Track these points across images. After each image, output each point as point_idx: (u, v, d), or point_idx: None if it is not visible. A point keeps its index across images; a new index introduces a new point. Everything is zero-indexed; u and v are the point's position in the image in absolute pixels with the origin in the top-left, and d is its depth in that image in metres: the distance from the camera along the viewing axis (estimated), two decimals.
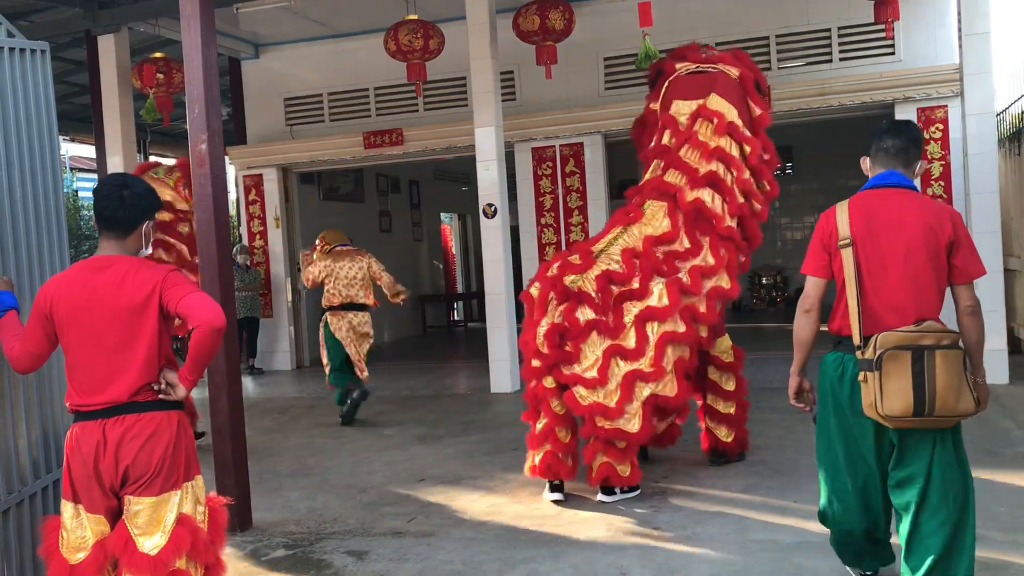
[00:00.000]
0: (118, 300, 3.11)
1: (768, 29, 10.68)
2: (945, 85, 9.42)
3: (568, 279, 5.30)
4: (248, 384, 11.59)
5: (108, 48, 10.34)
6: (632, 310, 5.28)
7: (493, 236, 9.33)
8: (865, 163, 3.64)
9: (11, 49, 3.73)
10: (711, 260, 5.55)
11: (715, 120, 5.70)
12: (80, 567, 3.16)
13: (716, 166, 5.65)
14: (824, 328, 3.59)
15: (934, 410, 3.21)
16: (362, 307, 8.25)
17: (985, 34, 8.36)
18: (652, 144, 5.94)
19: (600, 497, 5.35)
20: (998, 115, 10.04)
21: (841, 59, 10.47)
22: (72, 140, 15.96)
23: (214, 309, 3.11)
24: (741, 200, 5.71)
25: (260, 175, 12.43)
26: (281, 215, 12.42)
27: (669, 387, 5.27)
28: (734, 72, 5.87)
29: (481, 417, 8.29)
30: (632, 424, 5.19)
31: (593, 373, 5.19)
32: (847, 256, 3.41)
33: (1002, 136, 11.62)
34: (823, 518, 3.76)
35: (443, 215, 18.37)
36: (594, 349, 5.22)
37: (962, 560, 3.32)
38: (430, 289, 17.15)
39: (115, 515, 3.18)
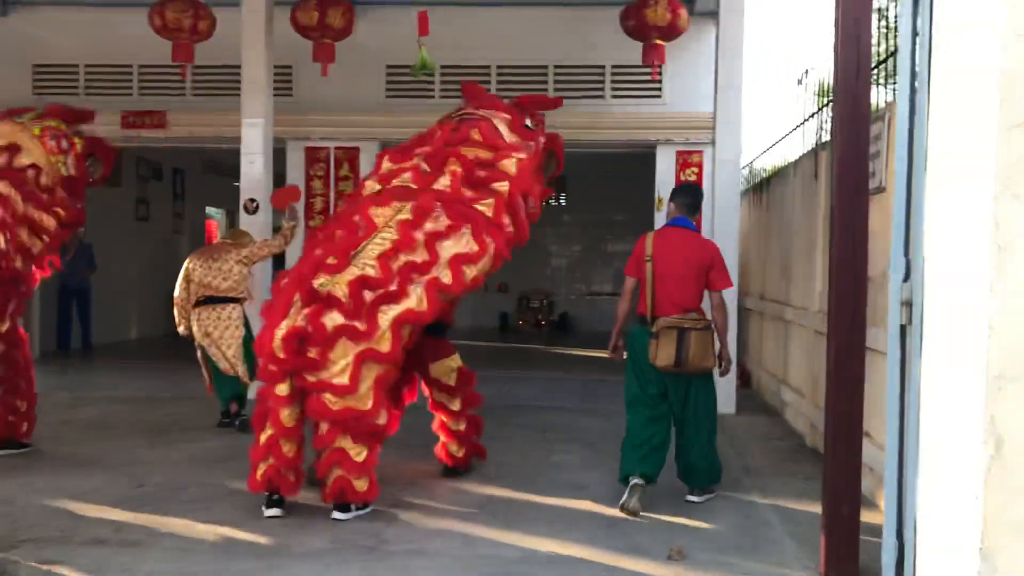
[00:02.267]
0: None
1: (548, 59, 10.97)
2: (702, 131, 10.04)
3: (318, 282, 5.06)
4: None
5: None
6: (389, 313, 5.06)
7: (254, 232, 8.88)
8: (669, 207, 5.82)
9: None
10: (474, 246, 5.48)
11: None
12: None
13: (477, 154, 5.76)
14: None
15: (687, 365, 5.33)
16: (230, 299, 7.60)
17: (737, 87, 8.99)
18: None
19: (335, 514, 5.07)
20: (747, 165, 10.87)
21: (613, 96, 10.93)
22: None
23: None
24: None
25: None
26: None
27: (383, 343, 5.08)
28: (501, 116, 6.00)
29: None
30: (381, 419, 5.06)
31: (343, 379, 4.93)
32: (648, 267, 5.47)
33: (750, 185, 12.61)
34: (627, 435, 5.53)
35: (210, 209, 17.46)
36: (344, 354, 4.96)
37: (712, 452, 5.62)
38: None
39: None
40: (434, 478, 6.04)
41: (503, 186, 5.55)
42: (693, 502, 5.54)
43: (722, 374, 5.78)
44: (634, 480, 5.30)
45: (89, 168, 6.94)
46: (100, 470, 6.11)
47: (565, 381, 10.70)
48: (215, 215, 17.91)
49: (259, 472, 5.05)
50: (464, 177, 5.53)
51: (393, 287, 5.06)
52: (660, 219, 10.60)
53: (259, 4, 8.82)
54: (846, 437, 4.17)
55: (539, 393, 9.77)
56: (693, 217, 5.73)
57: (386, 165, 5.78)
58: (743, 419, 8.52)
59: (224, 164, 16.56)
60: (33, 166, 6.39)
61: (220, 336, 7.46)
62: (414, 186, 5.50)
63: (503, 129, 5.80)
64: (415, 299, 5.10)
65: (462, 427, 6.10)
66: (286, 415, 5.02)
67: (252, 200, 8.92)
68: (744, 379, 10.14)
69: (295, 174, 10.85)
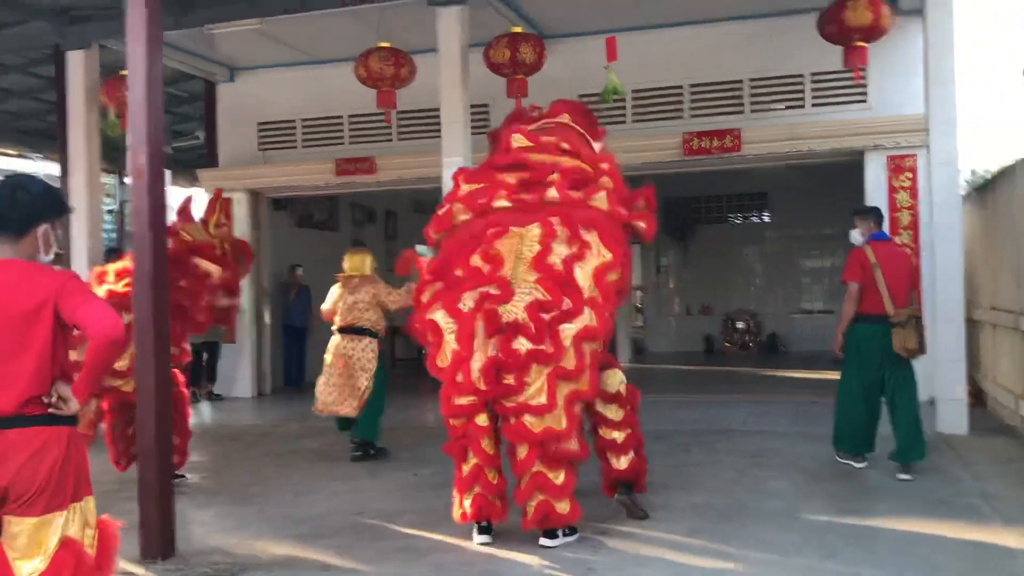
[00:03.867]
0: (9, 306, 2.96)
1: (742, 73, 10.71)
2: (914, 134, 9.45)
3: (498, 311, 5.08)
4: (205, 410, 11.37)
5: (77, 65, 10.22)
6: (569, 332, 5.04)
7: None
8: (861, 225, 6.88)
9: None
10: (606, 253, 5.40)
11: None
12: None
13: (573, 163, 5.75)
14: None
15: (923, 349, 6.60)
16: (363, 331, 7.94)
17: (950, 85, 8.36)
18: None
19: (542, 541, 5.08)
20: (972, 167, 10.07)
21: (814, 105, 10.50)
22: (44, 158, 15.80)
23: (110, 319, 2.97)
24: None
25: (230, 199, 12.28)
26: (250, 240, 12.24)
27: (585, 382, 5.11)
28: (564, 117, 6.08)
29: (435, 450, 8.07)
30: (575, 444, 5.06)
31: (541, 400, 4.97)
32: (878, 272, 6.55)
33: (973, 187, 11.67)
34: (836, 429, 6.89)
35: (420, 247, 18.22)
36: (538, 376, 5.00)
37: (921, 431, 6.58)
38: (402, 321, 16.96)
39: None
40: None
41: (606, 181, 5.59)
42: (906, 479, 6.37)
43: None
44: (862, 463, 6.75)
45: (239, 269, 7.57)
46: (324, 498, 6.48)
47: (775, 404, 10.26)
48: (426, 253, 18.66)
49: (466, 502, 5.14)
50: (569, 183, 5.53)
51: (566, 306, 5.07)
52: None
53: (454, 47, 9.17)
54: None
55: (748, 417, 9.43)
56: (884, 229, 7.06)
57: (465, 187, 5.79)
58: (977, 440, 7.83)
59: (431, 204, 17.26)
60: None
61: (355, 368, 7.78)
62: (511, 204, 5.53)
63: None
64: (588, 315, 5.08)
65: (622, 438, 5.65)
66: (486, 443, 5.11)
67: None
68: (976, 397, 9.32)
69: None
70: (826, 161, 10.61)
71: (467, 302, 5.16)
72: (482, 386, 5.02)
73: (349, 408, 7.78)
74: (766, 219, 17.80)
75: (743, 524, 5.45)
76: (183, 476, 7.08)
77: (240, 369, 12.37)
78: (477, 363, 5.04)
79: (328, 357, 7.91)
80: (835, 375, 7.15)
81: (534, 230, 5.34)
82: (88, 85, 10.17)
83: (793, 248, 17.48)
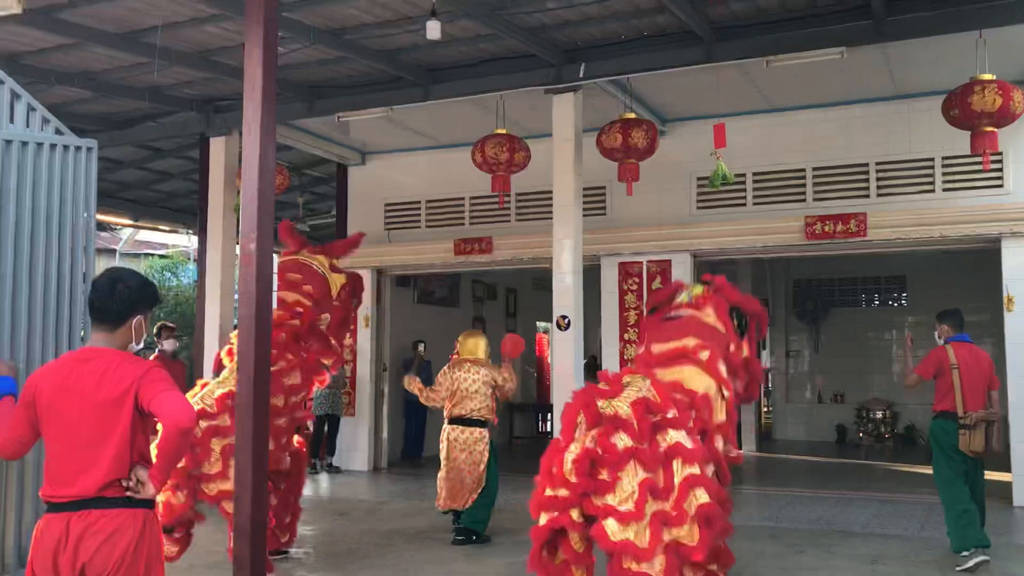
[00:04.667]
0: (96, 393, 3.14)
1: (868, 156, 10.39)
2: None
3: (601, 403, 5.04)
4: (323, 482, 11.64)
5: (218, 150, 10.96)
6: (664, 442, 4.90)
7: (565, 348, 9.20)
8: (940, 328, 7.53)
9: (54, 146, 3.94)
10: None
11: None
12: None
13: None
14: None
15: (993, 450, 6.92)
16: (477, 422, 7.90)
17: None
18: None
19: None
20: None
21: (945, 189, 10.05)
22: (192, 233, 16.86)
23: (184, 410, 3.10)
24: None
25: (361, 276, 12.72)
26: (371, 316, 12.65)
27: (689, 535, 4.87)
28: (708, 314, 5.70)
29: None
30: (656, 569, 4.82)
31: (630, 506, 4.71)
32: (955, 373, 6.99)
33: None
34: (952, 533, 6.98)
35: (540, 323, 18.35)
36: (631, 480, 4.77)
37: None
38: (521, 398, 17.01)
39: None
40: None
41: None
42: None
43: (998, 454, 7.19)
44: (981, 557, 6.68)
45: (353, 303, 7.63)
46: None
47: (906, 504, 9.62)
48: (543, 330, 18.76)
49: None
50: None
51: (671, 414, 4.93)
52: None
53: (568, 132, 9.32)
54: None
55: (872, 517, 8.87)
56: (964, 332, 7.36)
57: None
58: None
59: (549, 282, 17.43)
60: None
61: (466, 462, 7.75)
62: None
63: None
64: (684, 434, 4.94)
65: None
66: (575, 540, 4.92)
67: (564, 317, 9.23)
68: None
69: (609, 289, 11.14)
70: (960, 248, 10.11)
71: (576, 396, 5.12)
72: (572, 478, 4.83)
73: (460, 503, 7.80)
74: (904, 303, 16.99)
75: None
76: (286, 553, 7.24)
77: (358, 442, 12.64)
78: (571, 454, 4.89)
79: (442, 447, 7.91)
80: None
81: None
82: (228, 168, 10.87)
83: (932, 334, 16.56)
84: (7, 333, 3.69)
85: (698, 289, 5.94)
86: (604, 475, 4.82)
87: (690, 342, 5.48)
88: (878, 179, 10.34)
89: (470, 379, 7.90)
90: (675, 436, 4.90)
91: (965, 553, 6.74)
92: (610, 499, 4.78)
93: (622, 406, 4.93)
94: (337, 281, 7.24)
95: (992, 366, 7.13)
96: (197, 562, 6.80)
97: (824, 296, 17.33)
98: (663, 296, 6.08)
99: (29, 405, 3.21)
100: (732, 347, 5.66)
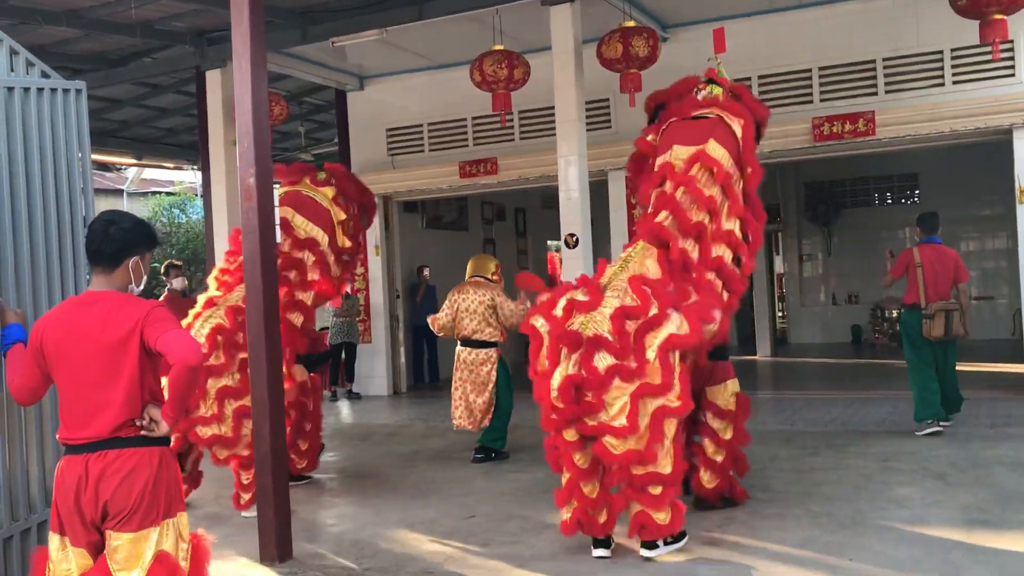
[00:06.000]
0: (101, 336, 3.16)
1: (875, 53, 10.14)
2: None
3: (579, 321, 4.94)
4: (343, 408, 11.83)
5: (215, 83, 10.82)
6: (654, 342, 4.88)
7: (575, 266, 9.17)
8: (916, 231, 8.55)
9: (41, 89, 3.89)
10: (685, 328, 5.15)
11: (714, 169, 5.47)
12: None
13: (704, 217, 5.39)
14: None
15: (951, 335, 7.84)
16: (481, 344, 7.94)
17: None
18: (649, 185, 5.69)
19: (642, 552, 4.97)
20: None
21: (954, 82, 9.82)
22: (196, 169, 16.79)
23: (190, 347, 3.12)
24: (719, 252, 5.42)
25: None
26: (381, 243, 12.64)
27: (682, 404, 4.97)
28: (736, 124, 5.64)
29: None
30: (665, 466, 4.90)
31: (622, 421, 4.78)
32: (919, 271, 7.95)
33: None
34: (916, 407, 7.94)
35: (550, 242, 18.31)
36: (620, 395, 4.82)
37: (956, 386, 8.17)
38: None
39: (97, 549, 3.21)
40: (756, 514, 5.75)
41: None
42: (949, 424, 7.94)
43: (964, 338, 8.04)
44: (935, 428, 7.80)
45: (362, 224, 7.73)
46: (437, 500, 6.62)
47: None
48: (554, 248, 18.73)
49: (566, 515, 5.05)
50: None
51: (653, 312, 4.91)
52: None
53: (567, 44, 9.12)
54: None
55: (887, 416, 8.95)
56: (937, 234, 8.28)
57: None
58: None
59: (557, 200, 17.32)
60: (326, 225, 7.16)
61: (475, 382, 7.82)
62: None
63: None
64: (675, 323, 4.90)
65: (720, 458, 5.79)
66: (579, 458, 4.97)
67: (572, 235, 9.19)
68: None
69: (617, 204, 11.06)
70: (971, 141, 9.94)
71: (559, 307, 5.10)
72: (559, 404, 4.87)
73: (471, 424, 7.88)
74: (916, 201, 16.81)
75: (860, 535, 5.19)
76: (309, 478, 7.39)
77: (376, 368, 12.79)
78: (556, 380, 4.90)
79: (455, 369, 8.01)
80: (995, 366, 7.74)
81: (648, 256, 5.28)
82: (225, 102, 10.74)
83: (947, 231, 16.42)
84: (11, 281, 3.70)
85: (718, 89, 5.90)
86: (590, 397, 4.84)
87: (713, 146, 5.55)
88: (886, 76, 10.12)
89: (468, 300, 7.92)
90: (664, 331, 4.88)
91: (924, 422, 7.83)
92: (603, 417, 4.84)
93: (602, 323, 4.88)
94: (338, 215, 7.22)
95: (957, 262, 7.98)
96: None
97: (836, 198, 17.17)
98: (676, 90, 6.02)
99: (37, 351, 3.24)
100: (749, 170, 5.65)
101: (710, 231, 5.38)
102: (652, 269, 5.19)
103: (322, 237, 7.09)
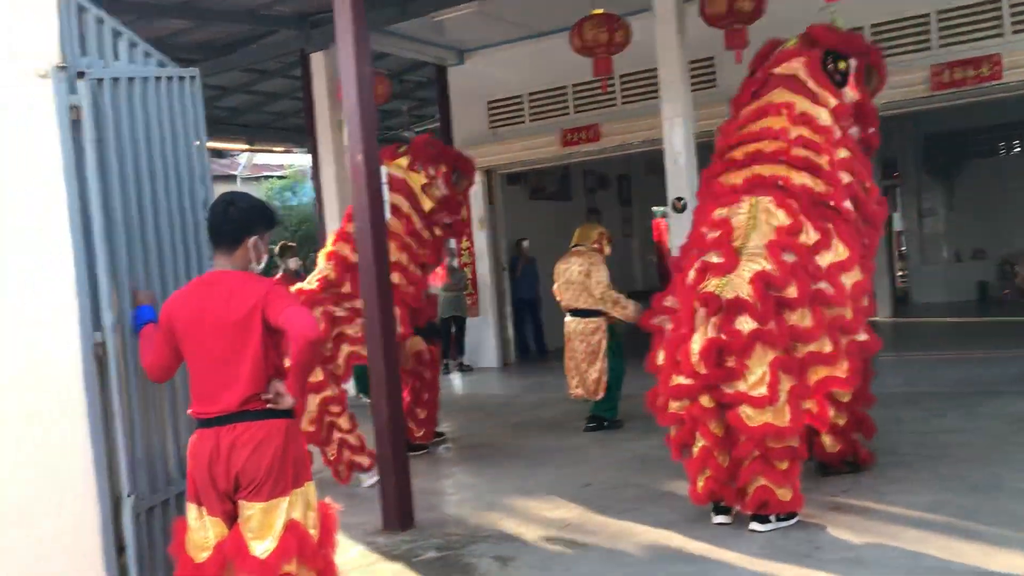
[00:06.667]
0: (225, 314, 3.27)
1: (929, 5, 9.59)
2: None
3: (714, 284, 4.88)
4: (455, 381, 12.00)
5: (319, 65, 11.03)
6: (792, 318, 4.78)
7: (682, 231, 8.96)
8: None
9: (158, 78, 4.03)
10: (843, 251, 5.04)
11: (784, 111, 5.37)
12: (203, 565, 3.35)
13: (803, 151, 5.23)
14: None
15: None
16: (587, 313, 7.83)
17: None
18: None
19: (752, 526, 4.85)
20: None
21: (1015, 32, 9.19)
22: (305, 152, 17.19)
23: (308, 322, 3.20)
24: (848, 179, 5.27)
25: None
26: (485, 217, 12.71)
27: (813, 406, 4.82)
28: (794, 66, 5.55)
29: None
30: (796, 442, 4.79)
31: (762, 390, 4.67)
32: None
33: None
34: None
35: (656, 208, 18.05)
36: (760, 362, 4.71)
37: None
38: (642, 285, 16.89)
39: (232, 518, 3.34)
40: (881, 478, 5.56)
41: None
42: None
43: None
44: None
45: (455, 183, 7.61)
46: (552, 468, 6.66)
47: None
48: (660, 214, 18.47)
49: (699, 484, 4.96)
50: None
51: (791, 291, 4.78)
52: None
53: (669, 3, 8.93)
54: None
55: (1021, 374, 8.51)
56: None
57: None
58: None
59: (662, 164, 17.05)
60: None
61: (585, 352, 7.74)
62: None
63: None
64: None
65: (842, 421, 5.48)
66: (714, 426, 4.87)
67: (679, 199, 9.03)
68: None
69: None
70: None
71: (691, 273, 5.02)
72: (702, 370, 4.77)
73: (584, 392, 7.86)
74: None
75: (995, 498, 4.97)
76: (426, 447, 7.54)
77: (485, 341, 12.91)
78: (697, 344, 4.81)
79: (565, 339, 7.96)
80: None
81: (768, 204, 5.12)
82: (330, 83, 10.94)
83: None
84: (141, 266, 3.87)
85: (792, 41, 5.78)
86: (731, 362, 4.75)
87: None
88: (1012, 13, 9.51)
89: (570, 270, 7.82)
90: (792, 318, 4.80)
91: None
92: (741, 385, 4.74)
93: (742, 286, 4.79)
94: (417, 180, 7.26)
95: None
96: None
97: (957, 149, 16.31)
98: (761, 56, 6.00)
99: (167, 331, 3.38)
100: (833, 101, 5.45)
101: (824, 162, 5.24)
102: (781, 218, 5.02)
103: (402, 202, 7.15)
